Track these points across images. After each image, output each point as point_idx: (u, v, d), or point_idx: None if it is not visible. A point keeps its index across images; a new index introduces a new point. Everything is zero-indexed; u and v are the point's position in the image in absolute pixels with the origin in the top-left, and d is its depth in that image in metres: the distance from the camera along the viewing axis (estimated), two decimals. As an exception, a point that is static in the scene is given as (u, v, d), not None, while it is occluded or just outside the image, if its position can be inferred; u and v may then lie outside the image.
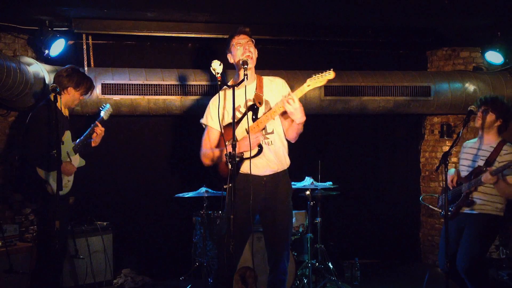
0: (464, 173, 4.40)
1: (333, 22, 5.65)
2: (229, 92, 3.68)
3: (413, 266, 6.65)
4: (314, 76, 3.61)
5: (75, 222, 5.23)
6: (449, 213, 4.33)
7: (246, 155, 3.66)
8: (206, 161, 3.81)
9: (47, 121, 4.14)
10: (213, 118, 3.79)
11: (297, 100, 3.58)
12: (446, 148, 6.24)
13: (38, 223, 4.55)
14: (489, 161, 4.22)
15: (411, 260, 6.77)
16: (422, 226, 6.85)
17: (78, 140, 4.47)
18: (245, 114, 3.70)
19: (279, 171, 3.82)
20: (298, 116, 3.61)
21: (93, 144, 4.53)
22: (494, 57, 5.96)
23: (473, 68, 6.37)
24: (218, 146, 3.82)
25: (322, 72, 3.61)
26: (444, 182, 4.08)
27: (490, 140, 4.33)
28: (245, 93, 3.61)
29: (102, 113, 4.59)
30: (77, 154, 4.46)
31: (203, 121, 3.87)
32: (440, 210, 4.55)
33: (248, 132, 3.63)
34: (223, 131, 3.71)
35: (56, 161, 3.83)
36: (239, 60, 3.64)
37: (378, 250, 6.69)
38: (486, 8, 5.04)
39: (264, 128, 3.73)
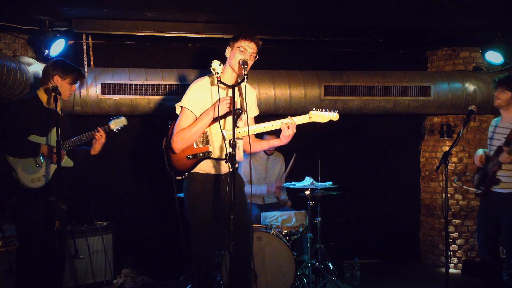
0: (491, 152, 4.61)
1: (333, 22, 5.65)
2: (215, 86, 3.69)
3: (413, 266, 6.65)
4: (318, 111, 3.68)
5: (75, 222, 5.22)
6: (480, 191, 4.62)
7: (213, 155, 3.72)
8: (177, 144, 3.69)
9: (26, 112, 3.99)
10: (196, 103, 3.72)
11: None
12: (446, 148, 6.24)
13: (15, 219, 4.34)
14: (509, 139, 4.38)
15: (411, 260, 6.77)
16: (422, 226, 6.85)
17: (70, 140, 4.17)
18: (227, 114, 3.65)
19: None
20: (287, 140, 3.74)
21: (92, 152, 4.27)
22: (494, 57, 5.97)
23: (473, 68, 6.37)
24: None
25: (328, 110, 3.69)
26: (444, 182, 4.13)
27: (511, 117, 4.51)
28: (244, 94, 3.61)
29: (112, 122, 4.34)
30: (64, 152, 4.12)
31: (181, 104, 3.75)
32: (475, 189, 4.76)
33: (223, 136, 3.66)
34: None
35: (57, 161, 3.82)
36: (240, 60, 3.63)
37: (378, 250, 6.69)
38: (486, 8, 5.04)
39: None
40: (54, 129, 4.00)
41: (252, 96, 3.95)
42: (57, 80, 4.08)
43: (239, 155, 3.83)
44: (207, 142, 3.73)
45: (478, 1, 4.83)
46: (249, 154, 3.89)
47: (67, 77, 4.12)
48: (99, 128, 4.23)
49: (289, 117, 3.69)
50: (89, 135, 4.20)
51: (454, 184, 6.53)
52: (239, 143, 3.83)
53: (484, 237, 4.65)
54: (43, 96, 4.11)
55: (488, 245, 4.62)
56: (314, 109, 3.70)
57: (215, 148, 3.72)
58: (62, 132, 4.03)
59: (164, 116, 5.80)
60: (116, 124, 4.36)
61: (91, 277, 5.14)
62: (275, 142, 3.86)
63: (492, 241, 4.61)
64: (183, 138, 3.68)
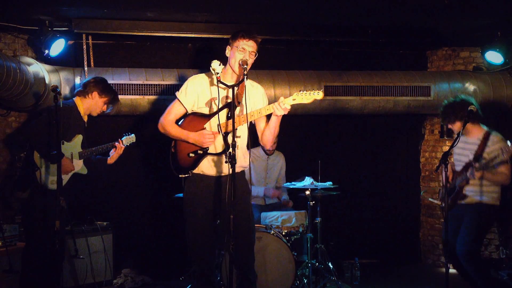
0: (458, 167, 4.65)
1: (333, 22, 5.65)
2: (213, 81, 3.70)
3: (413, 266, 6.65)
4: (302, 92, 3.62)
5: (75, 222, 5.23)
6: (445, 204, 4.55)
7: (210, 150, 3.72)
8: (161, 129, 3.91)
9: (67, 118, 4.26)
10: (187, 96, 3.80)
11: (289, 106, 3.59)
12: (446, 148, 6.23)
13: (23, 216, 4.51)
14: (477, 155, 4.44)
15: (411, 260, 6.77)
16: (422, 226, 6.85)
17: (89, 149, 4.50)
18: (220, 109, 3.67)
19: (235, 172, 3.74)
20: (281, 113, 3.63)
21: (109, 161, 4.64)
22: (494, 57, 5.96)
23: (473, 68, 6.37)
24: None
25: (312, 90, 3.61)
26: (443, 181, 4.15)
27: (476, 133, 4.57)
28: (244, 95, 3.61)
29: (124, 138, 4.68)
30: (81, 160, 4.48)
31: (177, 93, 3.87)
32: (440, 203, 4.82)
33: (220, 128, 3.66)
34: (188, 118, 3.80)
35: (57, 162, 3.85)
36: (240, 60, 3.64)
37: (378, 250, 6.68)
38: (486, 8, 5.04)
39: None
40: (78, 137, 4.45)
41: (256, 92, 3.88)
42: (95, 96, 4.49)
43: (238, 155, 3.73)
44: None
45: (478, 1, 4.83)
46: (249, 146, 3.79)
47: (105, 96, 4.51)
48: (120, 140, 4.63)
49: (281, 98, 3.63)
50: (109, 146, 4.60)
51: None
52: (238, 142, 3.70)
53: (450, 251, 4.58)
54: (79, 104, 4.47)
55: (454, 257, 4.59)
56: (298, 92, 3.63)
57: (216, 143, 3.74)
58: (84, 141, 4.51)
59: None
60: (128, 140, 4.72)
61: (91, 277, 5.14)
62: (273, 121, 3.75)
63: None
64: (165, 130, 3.86)
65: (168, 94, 5.50)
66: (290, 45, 6.25)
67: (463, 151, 4.60)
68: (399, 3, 4.90)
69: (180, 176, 3.87)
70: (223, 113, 3.70)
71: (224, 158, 3.63)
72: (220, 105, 3.70)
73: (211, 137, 3.68)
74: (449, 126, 4.64)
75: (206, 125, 3.77)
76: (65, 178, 4.35)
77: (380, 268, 6.42)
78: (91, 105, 4.51)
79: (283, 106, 3.56)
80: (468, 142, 4.59)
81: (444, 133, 6.52)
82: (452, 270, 6.25)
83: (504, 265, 6.03)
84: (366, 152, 6.76)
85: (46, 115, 4.28)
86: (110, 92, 4.58)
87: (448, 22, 5.57)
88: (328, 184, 5.23)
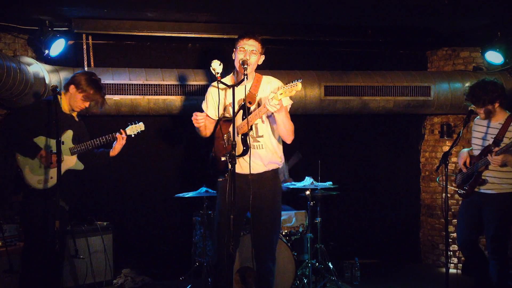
0: (476, 152, 4.54)
1: (333, 22, 5.65)
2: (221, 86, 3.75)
3: (413, 266, 6.65)
4: (286, 87, 3.56)
5: (75, 222, 5.23)
6: (464, 191, 4.56)
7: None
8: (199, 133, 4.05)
9: (37, 114, 4.09)
10: (209, 106, 3.98)
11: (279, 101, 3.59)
12: (446, 148, 6.24)
13: (20, 218, 4.47)
14: (497, 139, 4.33)
15: (411, 260, 6.77)
16: (422, 226, 6.85)
17: (81, 144, 4.26)
18: (237, 112, 3.72)
19: (264, 171, 3.87)
20: (278, 111, 3.65)
21: (111, 154, 4.39)
22: (494, 57, 5.96)
23: (473, 68, 6.37)
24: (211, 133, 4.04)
25: (292, 83, 3.56)
26: (444, 182, 4.13)
27: (498, 117, 4.44)
28: (244, 92, 3.64)
29: (128, 128, 4.40)
30: (74, 156, 4.26)
31: (202, 105, 4.04)
32: (458, 189, 4.70)
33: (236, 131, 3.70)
34: (220, 123, 3.91)
35: (57, 161, 3.83)
36: (240, 60, 3.67)
37: (378, 250, 6.69)
38: (486, 8, 5.04)
39: (253, 129, 3.80)
40: (66, 133, 4.22)
41: (272, 88, 3.87)
42: (72, 89, 4.20)
43: (265, 154, 3.84)
44: (230, 141, 3.79)
45: (478, 1, 4.83)
46: (250, 148, 3.81)
47: (81, 91, 4.18)
48: (122, 131, 4.36)
49: (271, 94, 3.67)
50: (108, 138, 4.31)
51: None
52: (261, 142, 3.84)
53: (465, 239, 4.57)
54: (63, 100, 4.23)
55: (469, 247, 4.55)
56: (283, 87, 3.59)
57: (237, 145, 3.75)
58: (77, 136, 4.26)
59: (164, 116, 5.84)
60: (133, 129, 4.43)
61: (91, 277, 5.14)
62: (276, 117, 3.79)
63: (473, 242, 4.55)
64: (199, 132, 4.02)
65: (168, 94, 5.51)
66: (290, 45, 6.25)
67: (483, 134, 4.48)
68: (399, 3, 4.90)
69: (218, 180, 3.93)
70: (239, 116, 3.76)
71: (246, 158, 3.73)
72: (236, 108, 3.72)
73: (196, 118, 3.79)
74: (478, 110, 4.41)
75: (230, 129, 3.80)
76: (52, 173, 4.10)
77: (380, 268, 6.43)
78: (70, 99, 4.20)
79: (271, 103, 3.58)
80: (486, 125, 4.47)
81: (444, 133, 6.51)
82: (452, 270, 6.29)
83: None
84: (366, 152, 6.76)
85: (18, 113, 4.17)
86: (88, 86, 4.17)
87: (448, 22, 5.57)
88: (328, 184, 5.23)
